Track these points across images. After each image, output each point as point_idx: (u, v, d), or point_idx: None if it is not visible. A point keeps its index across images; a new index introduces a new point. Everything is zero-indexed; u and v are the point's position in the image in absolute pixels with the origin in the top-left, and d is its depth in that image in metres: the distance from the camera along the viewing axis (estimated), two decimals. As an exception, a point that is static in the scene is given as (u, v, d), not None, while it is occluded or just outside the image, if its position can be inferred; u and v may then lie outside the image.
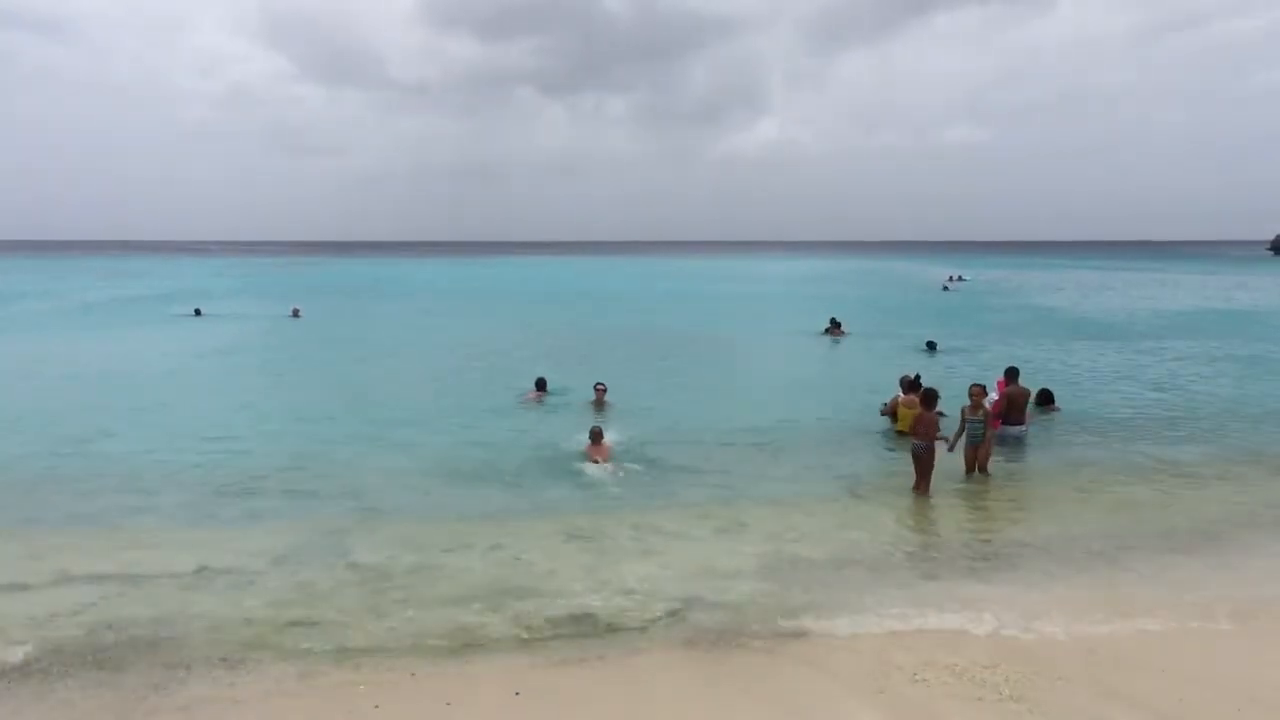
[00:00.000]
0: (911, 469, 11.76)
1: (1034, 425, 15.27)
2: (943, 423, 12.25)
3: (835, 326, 29.78)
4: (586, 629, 7.41)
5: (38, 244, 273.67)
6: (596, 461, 12.61)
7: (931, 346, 24.75)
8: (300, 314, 37.40)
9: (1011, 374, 15.29)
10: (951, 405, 13.58)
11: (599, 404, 16.72)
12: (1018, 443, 14.21)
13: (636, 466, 12.63)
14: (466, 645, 7.10)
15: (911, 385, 14.89)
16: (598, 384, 17.18)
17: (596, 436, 13.09)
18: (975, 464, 12.34)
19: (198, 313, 37.33)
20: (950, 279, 65.49)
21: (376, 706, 6.25)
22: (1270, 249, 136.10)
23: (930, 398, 11.91)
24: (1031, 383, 16.63)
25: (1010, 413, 14.45)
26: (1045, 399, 16.94)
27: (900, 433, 14.16)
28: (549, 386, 18.03)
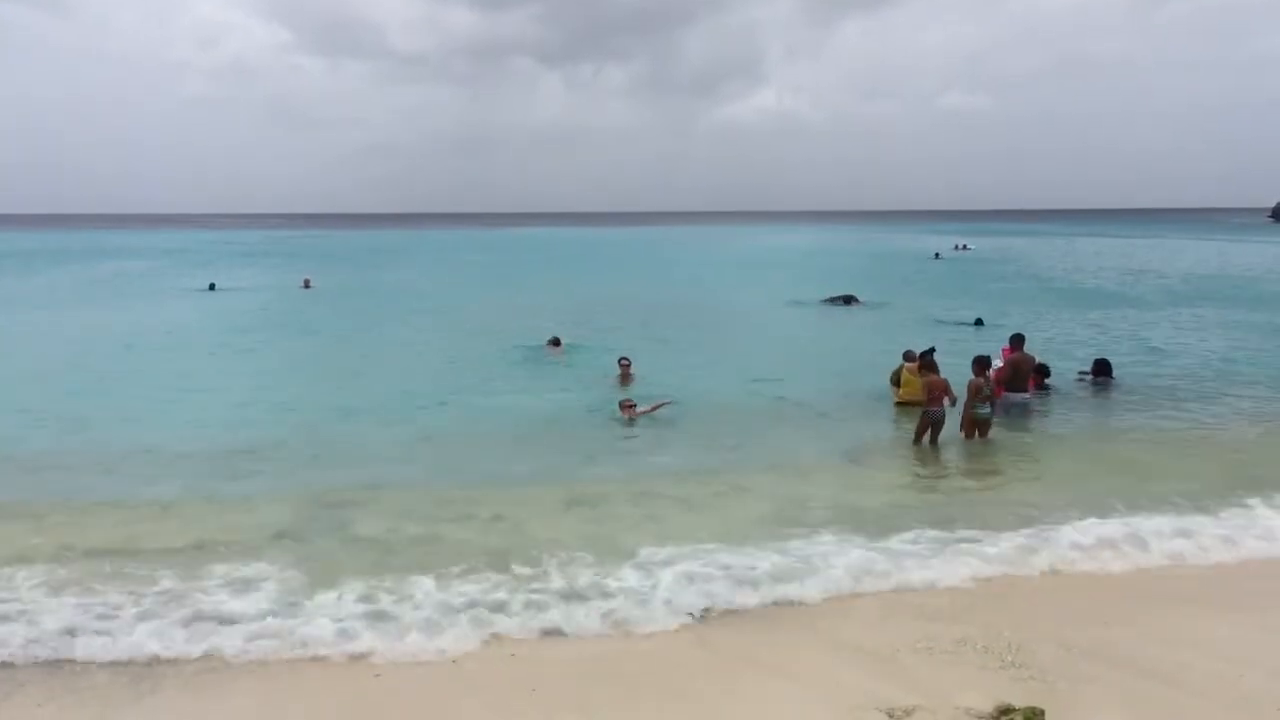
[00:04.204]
0: (914, 430, 12.22)
1: (1057, 394, 15.17)
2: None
3: (844, 297, 29.63)
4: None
5: (37, 218, 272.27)
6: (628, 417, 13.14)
7: (979, 323, 24.10)
8: (311, 284, 37.54)
9: (1017, 341, 15.15)
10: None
11: (624, 379, 15.84)
12: (1023, 409, 14.11)
13: (643, 433, 12.70)
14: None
15: (912, 355, 14.82)
16: (622, 359, 16.09)
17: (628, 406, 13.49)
18: (975, 431, 12.34)
19: (212, 287, 37.09)
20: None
21: (377, 676, 6.28)
22: (1271, 216, 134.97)
23: (932, 364, 12.48)
24: (1035, 348, 16.41)
25: (1015, 380, 14.33)
26: (1102, 369, 16.08)
27: (900, 403, 14.14)
28: (563, 342, 18.77)
